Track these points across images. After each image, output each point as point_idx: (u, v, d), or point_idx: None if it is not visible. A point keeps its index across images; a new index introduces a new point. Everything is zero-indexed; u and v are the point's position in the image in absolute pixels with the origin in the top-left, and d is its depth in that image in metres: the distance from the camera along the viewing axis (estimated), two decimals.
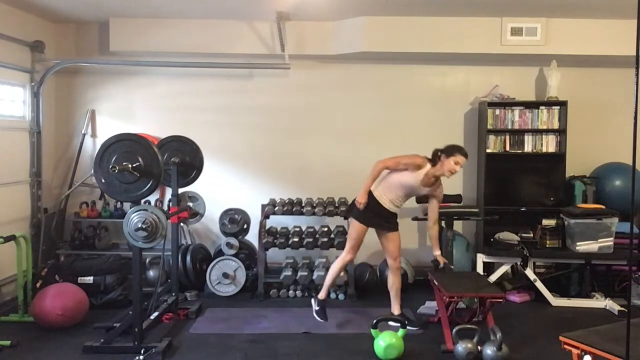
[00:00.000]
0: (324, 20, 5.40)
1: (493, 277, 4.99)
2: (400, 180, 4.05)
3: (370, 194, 4.11)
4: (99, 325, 4.09)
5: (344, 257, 4.27)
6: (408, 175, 4.02)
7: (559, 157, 5.39)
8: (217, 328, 4.26)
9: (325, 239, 5.14)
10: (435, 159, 4.01)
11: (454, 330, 3.70)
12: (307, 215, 5.24)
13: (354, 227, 4.21)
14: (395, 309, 4.28)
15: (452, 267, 4.36)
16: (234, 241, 5.18)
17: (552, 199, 5.41)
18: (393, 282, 4.30)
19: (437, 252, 4.31)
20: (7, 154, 4.90)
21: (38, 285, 4.47)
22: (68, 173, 5.68)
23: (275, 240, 5.17)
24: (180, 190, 4.64)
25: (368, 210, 4.10)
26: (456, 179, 5.73)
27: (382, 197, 4.13)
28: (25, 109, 5.24)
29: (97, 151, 3.64)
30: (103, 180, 3.58)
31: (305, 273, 5.06)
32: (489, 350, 3.54)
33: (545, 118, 5.42)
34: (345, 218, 5.04)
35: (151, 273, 5.22)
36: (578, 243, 4.86)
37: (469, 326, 3.74)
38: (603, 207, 4.96)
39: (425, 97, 5.76)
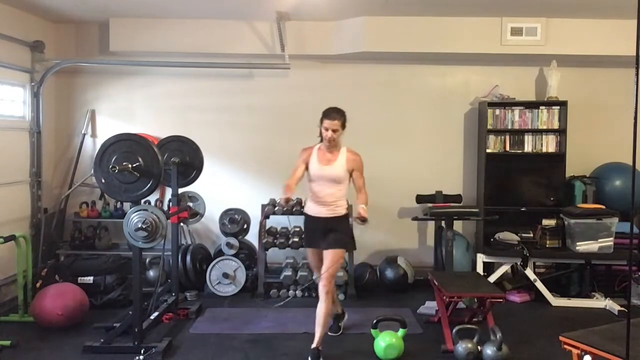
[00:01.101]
0: (324, 20, 5.40)
1: (493, 277, 4.99)
2: (309, 178, 3.73)
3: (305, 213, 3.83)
4: (99, 325, 4.09)
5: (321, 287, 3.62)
6: (310, 169, 3.71)
7: (559, 157, 5.39)
8: (217, 328, 4.26)
9: None
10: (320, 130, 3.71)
11: (454, 330, 3.70)
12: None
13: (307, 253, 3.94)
14: (316, 341, 3.56)
15: (364, 221, 3.63)
16: (234, 241, 5.18)
17: (552, 199, 5.41)
18: (319, 308, 3.59)
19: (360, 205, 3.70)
20: (7, 154, 4.90)
21: (38, 285, 4.47)
22: (68, 173, 5.68)
23: (275, 240, 5.17)
24: (180, 190, 4.64)
25: (307, 230, 3.84)
26: (456, 179, 5.76)
27: (306, 207, 3.83)
28: (25, 109, 5.24)
29: (97, 151, 3.64)
30: (103, 180, 3.58)
31: (305, 273, 5.06)
32: (489, 350, 3.54)
33: (545, 118, 5.41)
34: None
35: (151, 273, 5.22)
36: (578, 243, 4.86)
37: (469, 326, 3.75)
38: (603, 207, 4.97)
39: (425, 97, 5.76)
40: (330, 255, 3.60)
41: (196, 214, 4.86)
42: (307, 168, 3.71)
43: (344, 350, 3.84)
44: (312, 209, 3.73)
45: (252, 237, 5.46)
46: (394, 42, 5.35)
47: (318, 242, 3.68)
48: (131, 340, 3.69)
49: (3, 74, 4.85)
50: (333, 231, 3.67)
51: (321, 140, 3.69)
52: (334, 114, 3.63)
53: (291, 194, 3.49)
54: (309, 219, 3.77)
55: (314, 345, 3.54)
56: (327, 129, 3.59)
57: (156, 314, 4.10)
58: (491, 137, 5.45)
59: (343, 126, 3.73)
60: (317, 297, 5.06)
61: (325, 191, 3.66)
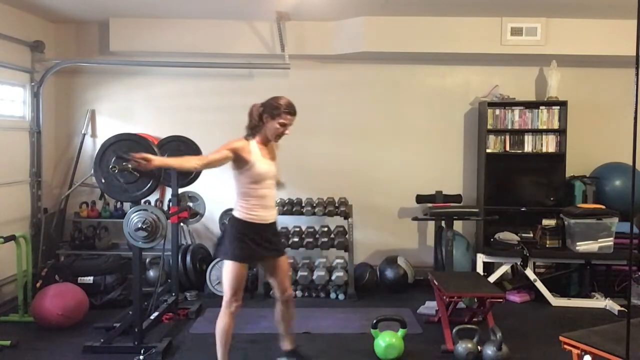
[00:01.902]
0: (324, 20, 5.40)
1: (493, 277, 4.99)
2: (251, 180, 3.10)
3: (231, 220, 3.15)
4: (99, 325, 4.09)
5: (228, 306, 3.15)
6: (250, 168, 3.08)
7: (559, 157, 5.39)
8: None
9: (325, 239, 5.14)
10: (255, 122, 3.17)
11: (454, 330, 3.70)
12: (307, 215, 5.24)
13: (229, 269, 3.09)
14: (287, 344, 3.47)
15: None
16: None
17: (552, 199, 5.41)
18: (284, 314, 3.39)
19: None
20: (7, 154, 4.90)
21: (38, 285, 4.47)
22: (68, 173, 5.68)
23: None
24: (180, 190, 4.64)
25: (244, 241, 3.08)
26: (456, 179, 5.76)
27: (241, 212, 3.12)
28: (25, 109, 5.24)
29: (97, 151, 3.64)
30: (103, 180, 3.58)
31: (305, 273, 5.06)
32: (489, 350, 3.54)
33: (545, 118, 5.41)
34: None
35: (151, 273, 5.22)
36: (578, 243, 4.86)
37: (469, 326, 3.75)
38: (603, 207, 4.96)
39: (425, 97, 5.76)
40: (285, 261, 3.35)
41: (196, 214, 4.86)
42: (240, 166, 3.10)
43: (344, 350, 3.84)
44: (261, 214, 3.11)
45: None
46: (394, 42, 5.35)
47: (261, 251, 3.15)
48: (131, 340, 3.69)
49: (3, 74, 4.85)
50: (276, 235, 3.34)
51: (252, 135, 3.17)
52: (295, 109, 3.19)
53: (154, 166, 3.03)
54: (257, 227, 3.11)
55: (292, 347, 3.47)
56: (285, 125, 3.14)
57: (156, 314, 4.10)
58: (491, 137, 5.45)
59: None
60: (317, 297, 5.13)
61: (272, 192, 3.20)
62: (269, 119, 3.11)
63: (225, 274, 3.11)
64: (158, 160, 3.06)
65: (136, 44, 5.44)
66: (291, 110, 3.15)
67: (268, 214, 3.17)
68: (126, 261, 4.90)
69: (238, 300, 3.14)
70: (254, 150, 3.09)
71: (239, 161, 3.06)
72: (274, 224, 3.24)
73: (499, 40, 5.31)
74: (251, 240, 3.09)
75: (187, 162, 3.14)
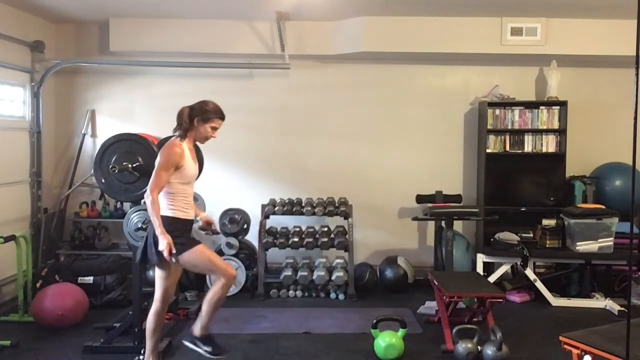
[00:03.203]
0: (324, 20, 5.40)
1: (493, 277, 4.99)
2: (180, 180, 3.11)
3: (165, 221, 3.04)
4: (99, 325, 4.09)
5: (226, 281, 3.18)
6: (182, 170, 3.08)
7: (559, 157, 5.39)
8: (217, 328, 4.23)
9: (325, 239, 5.14)
10: (186, 125, 3.16)
11: (454, 330, 3.70)
12: (307, 215, 5.24)
13: (198, 253, 3.12)
14: (203, 329, 3.33)
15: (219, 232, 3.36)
16: (234, 241, 5.18)
17: (552, 199, 5.41)
18: (215, 293, 3.22)
19: (201, 214, 3.46)
20: (7, 154, 4.90)
21: (38, 285, 4.47)
22: (68, 173, 5.68)
23: (275, 240, 5.17)
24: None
25: (185, 233, 3.16)
26: (456, 179, 5.76)
27: (175, 211, 3.12)
28: (25, 109, 5.24)
29: (97, 151, 3.64)
30: (103, 180, 3.58)
31: (305, 273, 5.06)
32: (489, 350, 3.54)
33: (545, 118, 5.42)
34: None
35: (151, 273, 5.20)
36: (578, 243, 4.86)
37: (469, 326, 3.75)
38: (603, 207, 4.96)
39: (425, 97, 5.76)
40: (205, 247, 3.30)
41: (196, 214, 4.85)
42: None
43: (344, 350, 3.84)
44: (189, 212, 3.20)
45: (252, 237, 5.46)
46: (394, 42, 5.35)
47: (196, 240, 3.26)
48: (131, 340, 3.69)
49: (3, 74, 4.85)
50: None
51: (184, 137, 3.16)
52: (224, 114, 3.29)
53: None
54: (186, 223, 3.18)
55: (205, 333, 3.32)
56: (215, 129, 3.22)
57: None
58: (491, 137, 5.45)
59: None
60: (317, 297, 5.13)
61: (193, 192, 3.27)
62: (200, 122, 3.17)
63: (200, 260, 3.13)
64: (163, 235, 2.96)
65: (136, 44, 5.44)
66: (222, 115, 3.26)
67: (192, 212, 3.24)
68: (126, 261, 4.90)
69: (229, 269, 3.19)
70: (185, 152, 3.12)
71: (176, 161, 3.08)
72: (192, 221, 3.28)
73: (499, 40, 5.31)
74: (185, 230, 3.15)
75: (152, 205, 2.98)
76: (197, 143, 3.33)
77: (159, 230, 2.95)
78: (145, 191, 3.02)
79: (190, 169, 3.14)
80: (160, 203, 3.07)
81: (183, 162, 3.08)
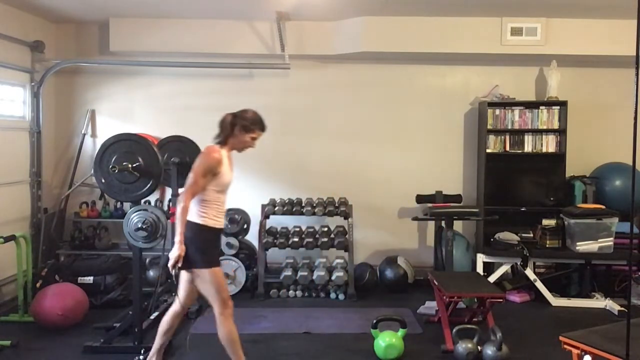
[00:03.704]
0: (324, 20, 5.40)
1: (493, 277, 4.99)
2: (216, 188, 3.05)
3: (194, 228, 2.99)
4: (99, 325, 4.09)
5: (223, 312, 3.06)
6: (218, 177, 3.02)
7: (559, 157, 5.39)
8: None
9: (325, 239, 5.14)
10: (227, 132, 3.11)
11: (454, 330, 3.70)
12: (307, 215, 5.24)
13: (212, 276, 3.01)
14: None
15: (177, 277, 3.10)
16: (234, 241, 5.18)
17: (552, 199, 5.41)
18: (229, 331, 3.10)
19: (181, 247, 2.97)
20: (7, 154, 4.90)
21: (38, 285, 4.47)
22: (68, 173, 5.68)
23: (275, 240, 5.17)
24: (180, 190, 4.62)
25: (210, 247, 3.07)
26: (456, 179, 5.76)
27: (207, 219, 3.03)
28: (25, 109, 5.24)
29: (97, 151, 3.64)
30: (103, 180, 3.58)
31: (305, 273, 5.06)
32: (489, 350, 3.54)
33: (545, 118, 5.42)
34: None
35: (151, 273, 5.22)
36: (578, 243, 4.86)
37: (469, 326, 3.75)
38: (603, 207, 4.96)
39: (425, 97, 5.76)
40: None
41: None
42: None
43: (344, 350, 3.84)
44: (220, 221, 3.12)
45: (252, 237, 5.46)
46: (394, 42, 5.35)
47: (218, 256, 3.21)
48: (131, 340, 3.69)
49: (3, 74, 4.85)
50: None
51: (222, 144, 3.11)
52: (265, 126, 3.23)
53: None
54: (216, 232, 3.12)
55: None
56: (255, 139, 3.17)
57: (156, 314, 4.10)
58: (491, 137, 5.45)
59: None
60: (317, 297, 5.13)
61: (226, 200, 3.19)
62: (241, 131, 3.11)
63: (210, 283, 3.01)
64: (179, 244, 2.91)
65: (136, 44, 5.44)
66: (264, 127, 3.20)
67: (222, 221, 3.16)
68: (126, 261, 4.90)
69: (228, 302, 3.08)
70: (224, 159, 3.06)
71: (215, 168, 3.02)
72: (221, 230, 3.21)
73: (499, 40, 5.31)
74: (215, 246, 3.13)
75: (182, 212, 2.93)
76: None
77: (178, 237, 2.88)
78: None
79: (226, 177, 3.07)
80: (191, 209, 3.00)
81: (220, 169, 3.01)
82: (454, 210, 5.06)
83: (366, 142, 5.78)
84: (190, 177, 2.94)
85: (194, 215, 3.02)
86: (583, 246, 4.86)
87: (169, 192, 4.93)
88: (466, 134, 5.77)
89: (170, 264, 2.90)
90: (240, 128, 3.11)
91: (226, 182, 3.09)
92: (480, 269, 5.06)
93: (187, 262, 2.98)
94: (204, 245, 3.00)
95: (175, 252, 2.88)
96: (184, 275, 3.14)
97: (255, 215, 5.39)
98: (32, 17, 5.25)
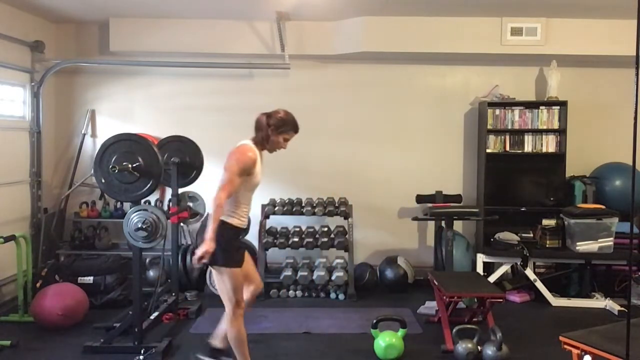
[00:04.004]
0: (324, 20, 5.40)
1: (493, 277, 4.99)
2: (246, 188, 3.05)
3: (220, 226, 2.93)
4: (99, 325, 4.09)
5: (235, 312, 3.05)
6: (251, 177, 3.02)
7: (559, 157, 5.39)
8: None
9: (325, 239, 5.14)
10: (264, 133, 3.10)
11: (454, 330, 3.70)
12: (307, 215, 5.24)
13: (229, 276, 3.00)
14: (222, 341, 3.29)
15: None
16: None
17: (552, 199, 5.41)
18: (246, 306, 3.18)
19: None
20: (7, 154, 4.90)
21: (38, 285, 4.47)
22: (68, 173, 5.68)
23: (275, 240, 5.17)
24: (180, 190, 4.64)
25: (232, 246, 3.04)
26: (456, 179, 5.76)
27: (233, 218, 3.04)
28: (25, 109, 5.24)
29: (97, 151, 3.64)
30: (103, 180, 3.58)
31: (305, 273, 5.06)
32: (489, 350, 3.54)
33: (545, 118, 5.42)
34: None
35: (151, 273, 5.22)
36: (578, 243, 4.86)
37: (469, 326, 3.75)
38: (603, 207, 4.96)
39: (425, 97, 5.76)
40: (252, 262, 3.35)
41: (196, 214, 4.86)
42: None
43: (344, 350, 3.84)
44: (245, 220, 3.12)
45: (252, 237, 5.45)
46: (394, 42, 5.35)
47: (243, 252, 3.17)
48: (131, 340, 3.69)
49: (3, 74, 4.85)
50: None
51: (257, 144, 3.11)
52: (299, 127, 3.24)
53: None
54: (238, 232, 3.10)
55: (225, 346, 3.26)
56: (287, 140, 3.17)
57: (156, 314, 4.10)
58: (491, 137, 5.45)
59: None
60: (317, 297, 5.13)
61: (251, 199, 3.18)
62: (274, 132, 3.08)
63: (226, 282, 3.01)
64: (210, 241, 2.85)
65: (136, 44, 5.44)
66: (297, 128, 3.19)
67: (246, 220, 3.16)
68: (126, 261, 4.89)
69: (242, 303, 3.09)
70: (257, 159, 3.04)
71: (250, 167, 2.99)
72: (243, 229, 3.18)
73: (499, 40, 5.31)
74: (237, 245, 3.09)
75: (217, 210, 2.88)
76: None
77: (209, 234, 2.83)
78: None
79: (258, 177, 3.06)
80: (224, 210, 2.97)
81: (254, 169, 2.99)
82: (454, 210, 5.06)
83: (366, 142, 5.78)
84: (225, 175, 2.91)
85: (224, 214, 2.99)
86: (583, 246, 4.86)
87: (169, 192, 4.92)
88: (466, 134, 5.77)
89: (195, 258, 2.87)
90: (273, 129, 3.07)
91: (257, 183, 3.07)
92: (480, 269, 5.06)
93: (210, 259, 2.95)
94: (227, 244, 2.97)
95: (203, 248, 2.82)
96: (220, 274, 3.05)
97: (255, 215, 5.37)
98: (32, 17, 5.25)
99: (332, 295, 5.12)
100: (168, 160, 4.39)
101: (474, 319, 4.26)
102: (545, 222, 5.15)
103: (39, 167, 5.30)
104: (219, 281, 3.05)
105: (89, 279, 4.68)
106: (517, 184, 5.56)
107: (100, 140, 5.47)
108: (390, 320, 3.86)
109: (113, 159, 3.53)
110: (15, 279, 4.57)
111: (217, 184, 2.93)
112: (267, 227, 5.31)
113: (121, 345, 3.71)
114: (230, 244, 3.01)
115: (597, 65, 5.64)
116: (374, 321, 3.82)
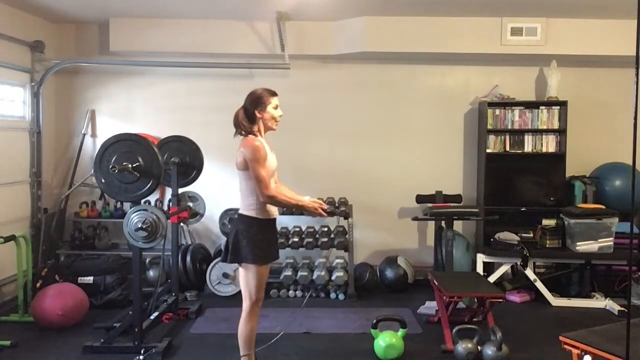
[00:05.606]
0: (324, 20, 5.40)
1: (493, 277, 4.99)
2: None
3: (247, 219, 2.98)
4: (99, 325, 4.09)
5: (252, 309, 3.12)
6: (268, 163, 3.00)
7: (559, 157, 5.39)
8: (217, 328, 4.26)
9: (325, 239, 5.14)
10: (246, 125, 3.06)
11: (454, 330, 3.70)
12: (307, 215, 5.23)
13: (255, 273, 2.99)
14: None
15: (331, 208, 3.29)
16: None
17: (552, 199, 5.41)
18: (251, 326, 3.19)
19: (306, 197, 3.18)
20: (7, 154, 4.90)
21: (38, 285, 4.47)
22: (68, 173, 5.68)
23: None
24: (180, 190, 4.64)
25: (262, 241, 2.99)
26: (456, 179, 5.76)
27: (255, 210, 2.99)
28: (25, 109, 5.24)
29: (97, 151, 3.64)
30: (103, 180, 3.58)
31: (305, 273, 5.06)
32: (489, 350, 3.54)
33: (545, 118, 5.42)
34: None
35: (151, 273, 5.22)
36: (578, 243, 4.86)
37: (469, 326, 3.75)
38: (603, 207, 4.96)
39: (425, 97, 5.76)
40: None
41: (196, 214, 4.86)
42: None
43: (344, 350, 3.84)
44: (272, 209, 3.05)
45: None
46: (394, 42, 5.35)
47: (275, 252, 3.14)
48: (131, 340, 3.69)
49: (3, 74, 4.85)
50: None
51: (256, 132, 3.06)
52: (273, 90, 3.13)
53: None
54: (271, 224, 3.09)
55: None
56: (276, 107, 3.08)
57: (156, 314, 4.10)
58: (491, 137, 5.45)
59: None
60: (317, 297, 5.12)
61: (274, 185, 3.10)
62: (262, 111, 3.04)
63: (250, 280, 3.00)
64: (301, 201, 3.12)
65: (136, 44, 5.44)
66: (273, 92, 3.11)
67: (275, 210, 3.10)
68: (126, 261, 4.89)
69: (261, 301, 3.13)
70: (265, 145, 3.01)
71: (265, 158, 2.97)
72: (275, 220, 3.17)
73: (499, 40, 5.31)
74: (268, 239, 3.04)
75: (279, 198, 2.98)
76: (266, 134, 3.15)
77: (295, 203, 3.06)
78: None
79: (272, 161, 3.05)
80: (243, 202, 2.99)
81: (267, 155, 2.98)
82: (454, 210, 5.05)
83: (366, 142, 5.78)
84: (254, 174, 2.90)
85: (245, 208, 2.99)
86: (583, 246, 4.86)
87: (169, 192, 4.92)
88: (466, 134, 5.77)
89: (320, 210, 3.08)
90: (259, 110, 3.04)
91: (273, 168, 3.06)
92: (480, 269, 5.06)
93: (239, 256, 2.97)
94: (256, 239, 2.95)
95: (309, 207, 3.06)
96: (246, 271, 3.04)
97: None
98: (32, 17, 5.25)
99: (332, 295, 5.12)
100: (168, 160, 4.39)
101: (474, 319, 4.26)
102: (545, 222, 5.15)
103: (39, 167, 5.30)
104: (244, 277, 3.03)
105: (89, 279, 4.68)
106: (517, 184, 5.56)
107: (100, 140, 5.48)
108: (390, 320, 3.86)
109: (113, 159, 3.53)
110: (15, 279, 4.57)
111: (249, 190, 2.96)
112: None
113: (121, 345, 3.71)
114: (258, 239, 2.97)
115: (597, 65, 5.64)
116: (374, 321, 3.82)
